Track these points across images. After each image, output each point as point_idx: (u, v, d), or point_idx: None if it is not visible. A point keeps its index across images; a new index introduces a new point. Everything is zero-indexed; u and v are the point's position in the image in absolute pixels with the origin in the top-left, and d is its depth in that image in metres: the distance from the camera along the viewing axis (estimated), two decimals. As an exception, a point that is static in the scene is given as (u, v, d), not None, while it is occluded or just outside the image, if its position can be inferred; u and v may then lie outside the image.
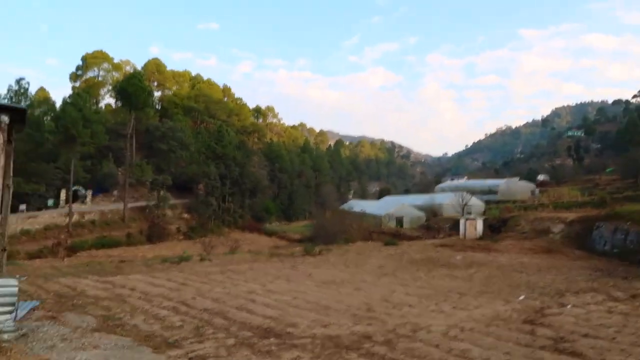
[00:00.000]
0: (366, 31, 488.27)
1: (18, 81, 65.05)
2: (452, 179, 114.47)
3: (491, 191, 69.48)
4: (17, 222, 53.16)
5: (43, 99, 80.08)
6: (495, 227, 37.24)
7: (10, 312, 5.06)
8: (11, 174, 5.82)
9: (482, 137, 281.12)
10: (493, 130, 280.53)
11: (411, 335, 7.20)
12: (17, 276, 5.39)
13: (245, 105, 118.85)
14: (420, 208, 62.55)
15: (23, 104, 65.08)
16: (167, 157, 75.21)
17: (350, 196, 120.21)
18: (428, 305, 10.05)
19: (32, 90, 76.00)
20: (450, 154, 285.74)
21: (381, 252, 23.94)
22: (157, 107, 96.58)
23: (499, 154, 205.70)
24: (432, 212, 59.68)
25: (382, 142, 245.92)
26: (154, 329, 7.15)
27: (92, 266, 19.41)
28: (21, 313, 6.79)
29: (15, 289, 5.09)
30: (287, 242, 65.77)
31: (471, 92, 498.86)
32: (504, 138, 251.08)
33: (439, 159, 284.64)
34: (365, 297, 10.81)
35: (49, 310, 7.49)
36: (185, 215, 73.36)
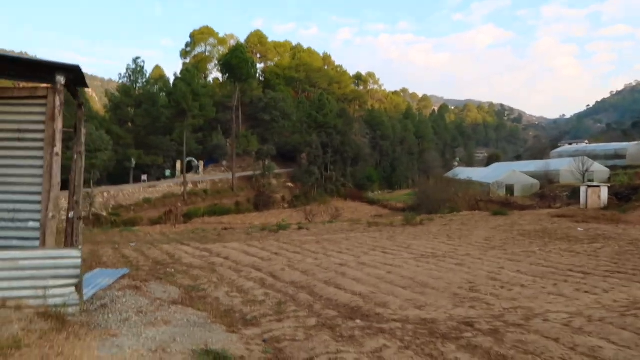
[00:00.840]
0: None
1: (135, 60, 70.08)
2: (571, 143, 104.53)
3: (618, 156, 62.12)
4: (140, 191, 57.89)
5: (159, 76, 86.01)
6: (624, 196, 33.07)
7: (74, 285, 4.90)
8: (83, 141, 5.69)
9: (606, 95, 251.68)
10: (620, 87, 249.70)
11: (523, 324, 6.05)
12: (80, 247, 5.27)
13: (345, 72, 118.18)
14: (534, 175, 58.05)
15: (140, 82, 70.25)
16: (271, 127, 77.28)
17: (456, 163, 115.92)
18: (544, 286, 8.61)
19: (149, 69, 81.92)
20: (568, 115, 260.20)
21: (489, 222, 22.05)
22: (260, 78, 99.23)
23: (627, 113, 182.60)
24: (547, 180, 55.08)
25: (491, 105, 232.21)
26: (235, 303, 6.80)
27: (196, 233, 20.21)
28: (109, 281, 6.82)
29: (79, 261, 4.91)
30: (389, 211, 65.10)
31: (595, 45, 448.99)
32: (634, 95, 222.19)
33: (555, 121, 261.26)
34: (469, 273, 9.60)
35: (136, 279, 7.49)
36: (290, 184, 75.26)
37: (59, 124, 4.68)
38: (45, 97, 5.05)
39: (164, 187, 60.68)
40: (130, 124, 69.35)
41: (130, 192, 56.82)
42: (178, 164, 67.42)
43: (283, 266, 10.14)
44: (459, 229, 19.24)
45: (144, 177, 64.04)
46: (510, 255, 12.04)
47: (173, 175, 67.44)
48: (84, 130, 5.50)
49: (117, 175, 64.41)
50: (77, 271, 4.88)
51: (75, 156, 5.58)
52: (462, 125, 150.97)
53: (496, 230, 17.97)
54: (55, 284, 4.79)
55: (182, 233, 21.06)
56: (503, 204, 45.84)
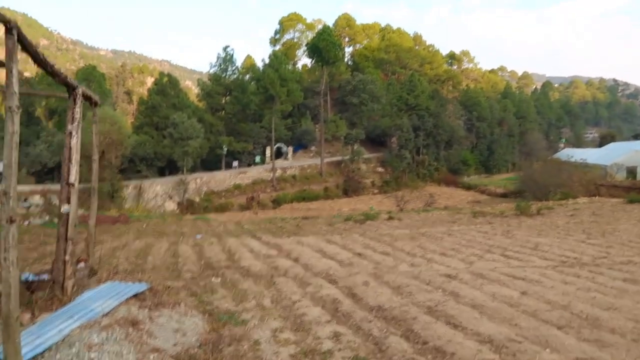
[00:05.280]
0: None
1: (224, 49, 70.75)
2: None
3: None
4: (231, 177, 58.49)
5: (249, 65, 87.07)
6: None
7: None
8: (16, 90, 3.49)
9: None
10: None
11: None
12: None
13: (437, 52, 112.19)
14: (660, 156, 50.57)
15: (230, 70, 70.87)
16: (359, 111, 74.79)
17: (562, 144, 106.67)
18: None
19: (241, 59, 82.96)
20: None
21: (629, 213, 17.46)
22: (348, 62, 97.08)
23: None
24: (680, 161, 47.45)
25: (601, 80, 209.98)
26: (281, 358, 4.25)
27: (273, 223, 18.00)
28: (109, 305, 4.67)
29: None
30: (487, 197, 60.91)
31: None
32: None
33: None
34: (658, 302, 6.08)
35: (152, 299, 5.19)
36: (379, 169, 72.89)
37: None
38: None
39: (253, 173, 60.84)
40: (222, 112, 70.39)
41: (221, 179, 57.54)
42: (267, 150, 67.42)
43: (367, 277, 7.35)
44: (594, 221, 15.15)
45: (235, 163, 64.80)
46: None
47: (263, 162, 67.60)
48: (15, 72, 3.25)
49: (210, 162, 65.83)
50: None
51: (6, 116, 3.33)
52: (568, 104, 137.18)
53: (650, 225, 13.69)
54: None
55: (259, 222, 19.01)
56: (629, 189, 39.63)
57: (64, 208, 5.02)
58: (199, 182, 54.96)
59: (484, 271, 7.71)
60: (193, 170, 59.22)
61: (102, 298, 4.86)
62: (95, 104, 6.33)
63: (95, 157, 6.63)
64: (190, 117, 57.15)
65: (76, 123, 5.01)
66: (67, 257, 5.00)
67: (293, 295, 6.24)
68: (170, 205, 49.47)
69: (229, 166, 64.85)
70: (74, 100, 5.05)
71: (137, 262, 8.59)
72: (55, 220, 15.22)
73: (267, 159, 66.77)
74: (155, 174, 57.45)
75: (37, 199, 15.56)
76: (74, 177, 5.01)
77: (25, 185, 37.71)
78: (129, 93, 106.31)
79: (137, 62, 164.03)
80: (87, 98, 5.93)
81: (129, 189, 45.31)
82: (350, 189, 62.89)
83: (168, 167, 59.01)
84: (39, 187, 29.54)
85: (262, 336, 4.53)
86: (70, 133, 5.02)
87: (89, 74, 64.76)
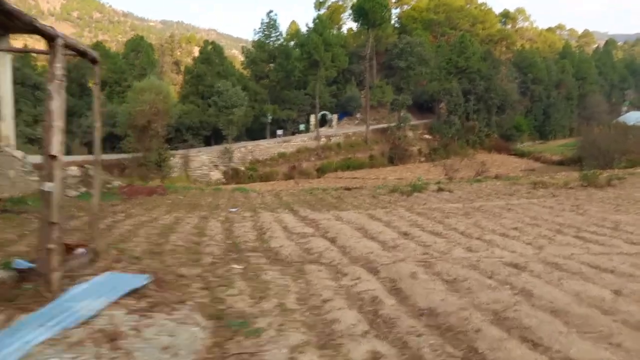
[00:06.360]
0: None
1: (268, 14, 69.49)
2: None
3: None
4: (275, 146, 58.22)
5: (294, 31, 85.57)
6: None
7: None
8: None
9: None
10: None
11: None
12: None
13: (490, 10, 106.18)
14: None
15: (274, 36, 69.59)
16: (406, 76, 72.03)
17: (625, 107, 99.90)
18: None
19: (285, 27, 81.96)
20: None
21: None
22: (395, 25, 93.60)
23: None
24: None
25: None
26: None
27: (314, 195, 16.97)
28: (100, 304, 3.81)
29: None
30: (542, 165, 58.25)
31: None
32: None
33: None
34: None
35: (155, 295, 4.26)
36: (427, 136, 70.64)
37: None
38: None
39: (298, 141, 60.31)
40: (267, 80, 69.65)
41: (266, 147, 57.42)
42: (312, 118, 66.47)
43: (414, 265, 6.15)
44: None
45: (280, 132, 64.37)
46: None
47: (307, 130, 66.83)
48: None
49: (255, 131, 65.70)
50: None
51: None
52: (633, 63, 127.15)
53: None
54: None
55: (299, 193, 18.07)
56: None
57: (46, 186, 4.15)
58: (244, 151, 54.97)
59: (559, 259, 6.35)
60: (238, 139, 59.20)
61: (91, 296, 4.01)
62: (94, 61, 5.41)
63: (98, 124, 5.75)
64: (235, 85, 56.73)
65: (56, 81, 4.10)
66: (51, 245, 4.16)
67: (324, 290, 5.16)
68: (216, 174, 49.66)
69: (273, 135, 64.57)
70: (54, 53, 4.13)
71: (158, 241, 7.80)
72: (92, 191, 14.86)
73: (312, 127, 65.90)
74: (201, 143, 57.95)
75: (74, 170, 15.25)
76: (56, 147, 4.12)
77: (77, 155, 38.44)
78: (177, 63, 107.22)
79: (185, 32, 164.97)
80: (81, 54, 4.99)
81: (176, 158, 45.66)
82: (396, 157, 61.55)
83: (213, 136, 59.28)
84: (90, 157, 29.90)
85: (277, 357, 3.51)
86: (51, 94, 4.12)
87: (137, 44, 65.45)
